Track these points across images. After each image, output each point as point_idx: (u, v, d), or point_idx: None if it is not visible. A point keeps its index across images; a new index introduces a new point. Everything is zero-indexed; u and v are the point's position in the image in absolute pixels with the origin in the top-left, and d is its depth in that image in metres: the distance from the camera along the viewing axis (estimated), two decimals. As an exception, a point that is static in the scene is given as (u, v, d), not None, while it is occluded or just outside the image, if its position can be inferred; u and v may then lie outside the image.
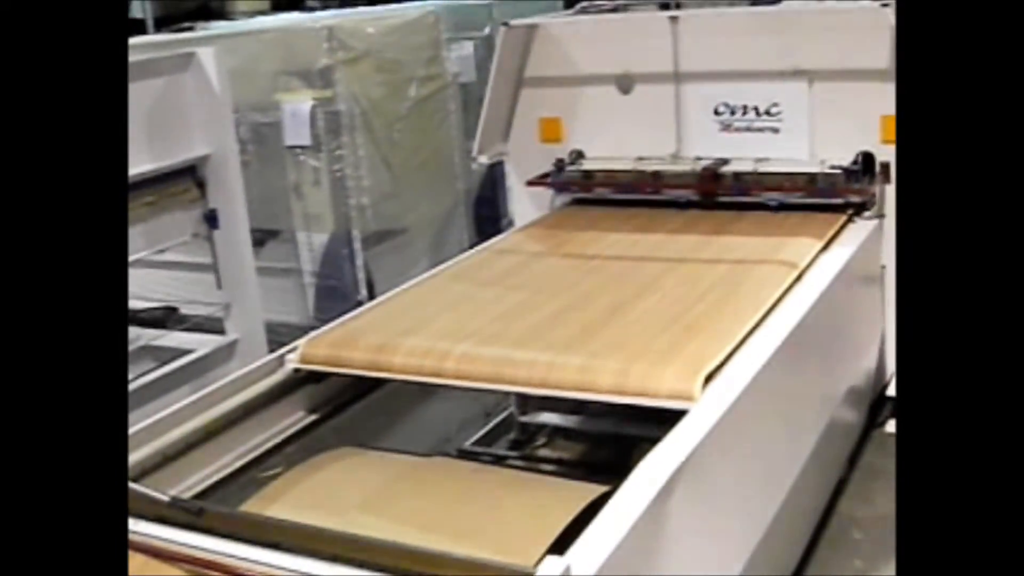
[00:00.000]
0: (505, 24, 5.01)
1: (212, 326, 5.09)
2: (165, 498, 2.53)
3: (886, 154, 4.51)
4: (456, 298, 3.82)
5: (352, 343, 3.39)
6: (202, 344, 4.94)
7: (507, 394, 4.59)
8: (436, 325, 3.48)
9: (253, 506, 2.85)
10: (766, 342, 3.20)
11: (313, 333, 3.51)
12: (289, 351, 3.41)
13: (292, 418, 3.36)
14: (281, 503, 2.85)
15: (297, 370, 3.37)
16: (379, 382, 3.51)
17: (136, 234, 4.36)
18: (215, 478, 3.06)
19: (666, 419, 2.75)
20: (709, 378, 2.92)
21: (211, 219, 4.84)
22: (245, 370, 3.32)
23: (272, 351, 3.54)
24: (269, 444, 3.25)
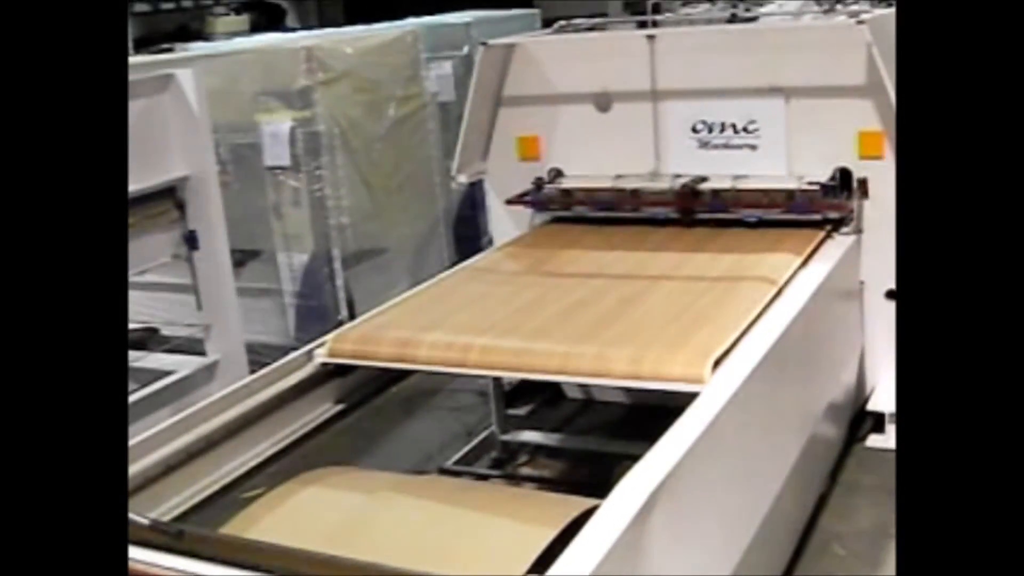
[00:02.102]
0: (483, 43, 5.02)
1: (192, 347, 5.09)
2: (145, 521, 2.51)
3: (863, 170, 4.55)
4: (472, 297, 4.00)
5: (378, 338, 3.58)
6: (182, 365, 4.94)
7: (488, 413, 4.62)
8: (455, 320, 3.67)
9: (234, 527, 2.84)
10: (747, 358, 3.21)
11: (338, 330, 3.71)
12: (316, 347, 3.58)
13: (321, 408, 3.56)
14: (263, 524, 2.83)
15: (325, 364, 3.54)
16: (401, 375, 3.76)
17: (116, 255, 4.35)
18: (254, 462, 3.24)
19: (650, 434, 2.76)
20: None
21: (191, 240, 4.84)
22: (275, 365, 3.49)
23: (253, 372, 3.58)
24: (302, 431, 3.45)
